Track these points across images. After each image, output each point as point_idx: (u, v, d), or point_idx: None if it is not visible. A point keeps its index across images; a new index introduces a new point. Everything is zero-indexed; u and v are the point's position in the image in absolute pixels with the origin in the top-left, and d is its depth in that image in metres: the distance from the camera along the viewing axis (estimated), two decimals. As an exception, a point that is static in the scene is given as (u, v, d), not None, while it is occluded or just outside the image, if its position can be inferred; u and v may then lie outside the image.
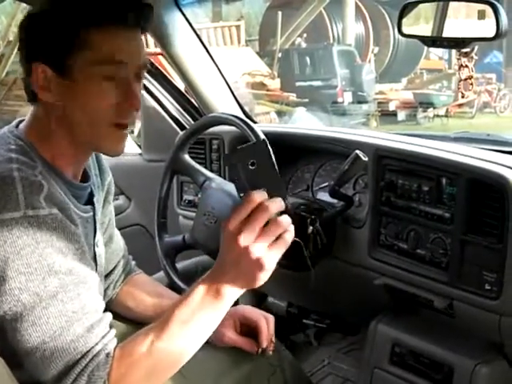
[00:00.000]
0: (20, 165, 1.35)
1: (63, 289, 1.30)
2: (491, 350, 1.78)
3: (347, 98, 15.63)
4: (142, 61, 1.46)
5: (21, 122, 1.50)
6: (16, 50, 12.07)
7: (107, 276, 1.76)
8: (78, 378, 1.28)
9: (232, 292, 1.33)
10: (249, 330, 1.74)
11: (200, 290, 1.33)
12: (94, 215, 1.58)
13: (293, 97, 15.39)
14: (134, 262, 1.89)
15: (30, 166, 1.37)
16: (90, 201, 1.56)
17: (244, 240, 1.28)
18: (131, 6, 1.41)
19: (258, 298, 2.53)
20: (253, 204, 1.28)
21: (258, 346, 1.71)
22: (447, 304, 1.81)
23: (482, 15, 1.73)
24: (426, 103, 15.21)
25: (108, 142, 1.46)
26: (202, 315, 1.33)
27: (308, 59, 16.28)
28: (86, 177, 1.56)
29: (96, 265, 1.57)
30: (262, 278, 1.33)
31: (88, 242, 1.49)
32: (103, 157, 1.71)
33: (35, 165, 1.39)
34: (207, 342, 1.41)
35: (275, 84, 15.89)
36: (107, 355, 1.31)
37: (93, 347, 1.30)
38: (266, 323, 1.73)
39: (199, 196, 2.30)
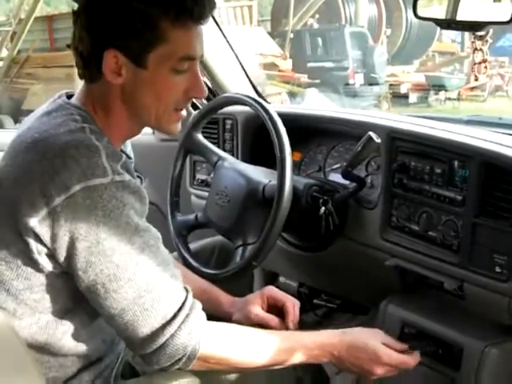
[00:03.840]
0: (95, 135, 1.42)
1: (146, 245, 1.40)
2: (501, 331, 1.79)
3: (359, 79, 15.55)
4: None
5: (70, 95, 1.54)
6: (27, 27, 12.09)
7: None
8: (180, 327, 1.39)
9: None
10: (275, 310, 1.79)
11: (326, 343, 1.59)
12: None
13: (304, 78, 15.33)
14: None
15: (101, 135, 1.44)
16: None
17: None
18: (209, 2, 1.47)
19: (269, 277, 2.54)
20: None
21: (283, 327, 1.76)
22: (457, 286, 1.83)
23: (497, -2, 1.73)
24: (438, 86, 15.12)
25: (169, 123, 1.54)
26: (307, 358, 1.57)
27: (320, 40, 16.19)
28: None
29: None
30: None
31: None
32: None
33: (104, 134, 1.45)
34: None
35: (287, 65, 15.83)
36: (200, 307, 1.45)
37: (187, 296, 1.43)
38: (293, 306, 1.80)
39: (212, 175, 2.31)
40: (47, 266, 1.39)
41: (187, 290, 1.45)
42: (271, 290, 1.84)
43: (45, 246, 1.36)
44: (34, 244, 1.36)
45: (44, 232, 1.34)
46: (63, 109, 1.47)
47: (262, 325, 1.74)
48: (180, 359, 1.42)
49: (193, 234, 2.17)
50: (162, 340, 1.39)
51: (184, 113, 1.55)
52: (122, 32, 1.42)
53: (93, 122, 1.46)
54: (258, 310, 1.77)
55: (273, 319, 1.76)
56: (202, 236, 2.19)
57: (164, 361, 1.41)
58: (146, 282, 1.37)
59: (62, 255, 1.36)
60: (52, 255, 1.37)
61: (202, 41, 1.50)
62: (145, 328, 1.38)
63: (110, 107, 1.49)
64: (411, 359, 1.67)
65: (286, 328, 1.76)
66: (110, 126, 1.50)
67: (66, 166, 1.34)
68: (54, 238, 1.34)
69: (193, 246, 2.11)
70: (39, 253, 1.37)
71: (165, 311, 1.38)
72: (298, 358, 1.56)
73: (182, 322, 1.39)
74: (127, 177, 1.39)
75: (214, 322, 1.49)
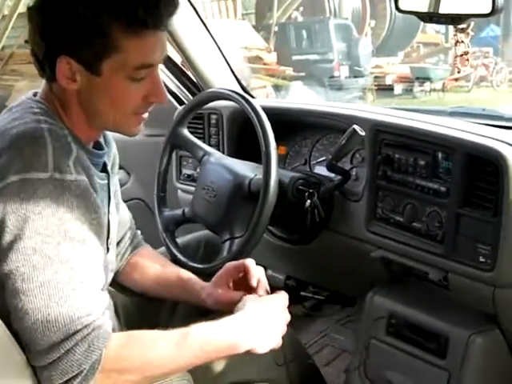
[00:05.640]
0: (49, 125, 1.37)
1: (75, 257, 1.32)
2: (485, 320, 1.82)
3: (344, 71, 15.55)
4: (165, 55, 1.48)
5: (36, 93, 1.51)
6: (11, 23, 12.02)
7: None
8: (78, 344, 1.29)
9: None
10: (241, 286, 1.72)
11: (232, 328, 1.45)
12: (109, 183, 1.61)
13: (289, 71, 15.33)
14: (141, 237, 1.91)
15: (59, 128, 1.39)
16: (104, 169, 1.59)
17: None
18: (166, 9, 1.40)
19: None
20: None
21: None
22: (442, 276, 1.85)
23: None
24: (423, 77, 15.15)
25: (128, 126, 1.49)
26: (219, 352, 1.45)
27: (304, 33, 16.17)
28: (97, 145, 1.59)
29: (109, 232, 1.59)
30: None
31: (103, 209, 1.51)
32: None
33: (62, 127, 1.41)
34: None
35: (272, 58, 15.81)
36: (107, 330, 1.33)
37: (95, 320, 1.32)
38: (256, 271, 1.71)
39: (198, 170, 2.32)
40: None
41: (103, 313, 1.35)
42: (229, 265, 1.75)
43: None
44: None
45: None
46: (24, 104, 1.45)
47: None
48: (75, 377, 1.29)
49: (180, 228, 2.17)
50: (56, 355, 1.29)
51: (146, 115, 1.50)
52: (73, 39, 1.37)
53: (54, 116, 1.43)
54: (223, 290, 1.71)
55: (236, 296, 1.65)
56: (189, 231, 2.20)
57: (56, 377, 1.29)
58: (59, 295, 1.29)
59: None
60: None
61: (162, 45, 1.44)
62: (42, 340, 1.29)
63: (69, 108, 1.46)
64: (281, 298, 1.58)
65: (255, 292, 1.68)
66: (73, 123, 1.46)
67: (9, 156, 1.31)
68: None
69: (179, 240, 2.11)
70: None
71: (67, 327, 1.29)
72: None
73: (81, 339, 1.29)
74: (71, 176, 1.34)
75: (121, 335, 1.41)
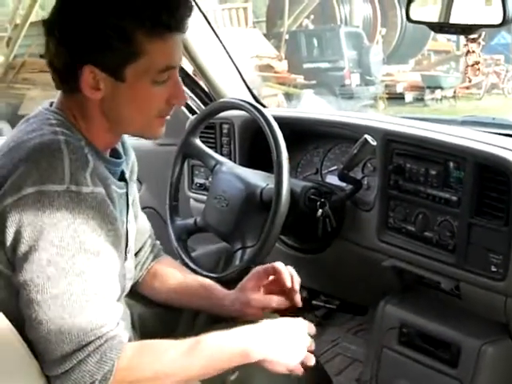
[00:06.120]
0: (66, 137, 1.37)
1: (89, 269, 1.33)
2: (497, 330, 1.82)
3: (355, 79, 15.56)
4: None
5: (52, 103, 1.51)
6: (23, 32, 12.08)
7: (134, 257, 1.76)
8: (90, 355, 1.30)
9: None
10: (272, 289, 1.73)
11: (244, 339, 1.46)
12: (127, 192, 1.61)
13: (300, 79, 15.34)
14: (160, 246, 1.90)
15: (76, 140, 1.40)
16: (122, 178, 1.59)
17: None
18: (186, 12, 1.42)
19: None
20: None
21: (287, 302, 1.71)
22: (454, 285, 1.85)
23: (488, 2, 1.74)
24: (434, 85, 15.13)
25: (152, 130, 1.51)
26: (231, 360, 1.44)
27: (315, 41, 16.18)
28: (115, 153, 1.59)
29: (127, 241, 1.60)
30: None
31: (121, 218, 1.52)
32: None
33: (80, 139, 1.42)
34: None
35: (282, 66, 15.82)
36: (121, 341, 1.34)
37: (109, 331, 1.33)
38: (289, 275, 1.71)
39: (210, 179, 2.33)
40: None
41: (117, 324, 1.36)
42: (258, 269, 1.75)
43: None
44: None
45: None
46: (41, 115, 1.46)
47: (266, 308, 1.70)
48: None
49: (196, 238, 2.18)
50: (69, 365, 1.30)
51: (168, 116, 1.51)
52: (97, 47, 1.38)
53: (71, 127, 1.43)
54: (256, 296, 1.71)
55: (271, 299, 1.70)
56: (205, 240, 2.20)
57: None
58: (73, 306, 1.30)
59: (9, 251, 1.33)
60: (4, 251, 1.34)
61: (181, 48, 1.46)
62: (55, 350, 1.30)
63: (90, 118, 1.46)
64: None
65: (291, 300, 1.70)
66: (93, 132, 1.46)
67: (26, 168, 1.31)
68: (2, 233, 1.31)
69: (200, 251, 2.13)
70: None
71: (80, 338, 1.30)
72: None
73: (94, 350, 1.31)
74: (88, 189, 1.34)
75: (133, 345, 1.40)
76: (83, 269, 1.32)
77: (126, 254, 1.57)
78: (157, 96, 1.44)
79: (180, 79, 1.48)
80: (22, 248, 1.30)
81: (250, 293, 1.72)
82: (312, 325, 1.59)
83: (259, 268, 1.75)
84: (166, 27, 1.39)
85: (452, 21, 1.77)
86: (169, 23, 1.39)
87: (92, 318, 1.32)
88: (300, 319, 1.58)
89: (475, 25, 1.72)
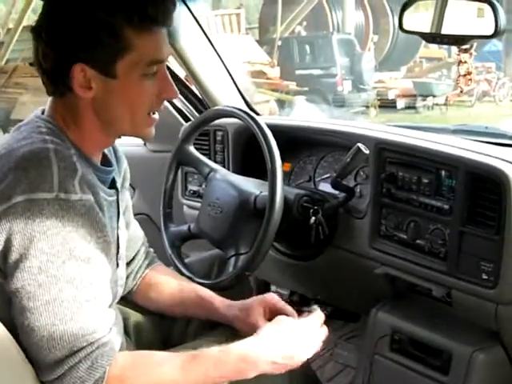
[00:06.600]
0: (55, 146, 1.37)
1: (80, 276, 1.34)
2: (488, 337, 1.83)
3: (347, 86, 15.61)
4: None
5: (44, 110, 1.52)
6: (16, 37, 12.07)
7: (127, 265, 1.77)
8: (81, 361, 1.32)
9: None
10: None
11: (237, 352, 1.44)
12: (118, 199, 1.62)
13: (292, 85, 15.37)
14: (154, 254, 1.90)
15: (65, 148, 1.40)
16: (112, 185, 1.60)
17: None
18: (171, 5, 1.45)
19: (261, 286, 2.57)
20: None
21: None
22: (445, 293, 1.87)
23: (481, 13, 1.76)
24: (426, 92, 15.18)
25: (144, 128, 1.52)
26: (226, 378, 1.44)
27: (308, 48, 16.23)
28: (106, 162, 1.60)
29: (118, 248, 1.60)
30: None
31: (112, 225, 1.53)
32: None
33: (69, 147, 1.42)
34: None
35: (275, 72, 15.84)
36: (113, 348, 1.35)
37: (101, 337, 1.34)
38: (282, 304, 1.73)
39: (203, 186, 2.34)
40: None
41: (109, 330, 1.37)
42: (273, 298, 1.74)
43: None
44: None
45: None
46: (32, 123, 1.46)
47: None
48: None
49: (190, 245, 2.19)
50: (61, 371, 1.32)
51: (156, 116, 1.52)
52: (86, 44, 1.39)
53: (61, 134, 1.43)
54: (262, 322, 1.67)
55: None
56: (199, 247, 2.21)
57: None
58: (64, 313, 1.31)
59: (0, 259, 1.34)
60: None
61: (167, 43, 1.48)
62: (48, 356, 1.32)
63: (82, 120, 1.47)
64: (316, 316, 1.60)
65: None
66: (84, 137, 1.47)
67: (16, 177, 1.32)
68: None
69: (194, 258, 2.13)
70: None
71: (72, 345, 1.31)
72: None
73: (85, 356, 1.32)
74: (76, 196, 1.35)
75: (128, 354, 1.43)
76: (74, 275, 1.33)
77: (117, 261, 1.58)
78: (147, 90, 1.46)
79: (168, 73, 1.49)
80: (13, 256, 1.31)
81: (258, 315, 1.69)
82: (322, 313, 1.61)
83: (274, 301, 1.73)
84: (153, 21, 1.42)
85: (444, 31, 1.79)
86: (155, 17, 1.42)
87: (83, 324, 1.33)
88: (306, 318, 1.59)
89: (467, 35, 1.74)
